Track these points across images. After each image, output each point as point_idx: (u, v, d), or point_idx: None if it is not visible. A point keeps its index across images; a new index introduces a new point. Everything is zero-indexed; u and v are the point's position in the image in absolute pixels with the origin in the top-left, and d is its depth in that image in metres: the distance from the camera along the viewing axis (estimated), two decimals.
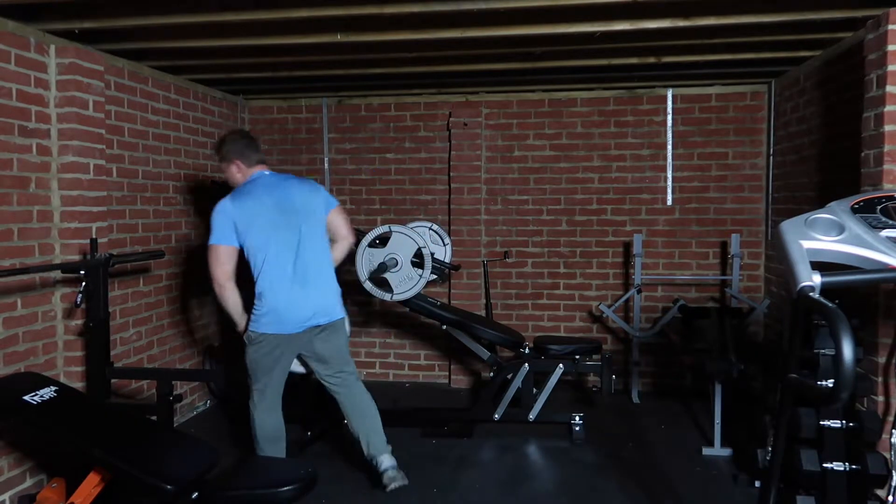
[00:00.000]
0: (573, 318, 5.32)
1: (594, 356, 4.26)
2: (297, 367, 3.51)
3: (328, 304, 3.32)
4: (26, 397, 2.77)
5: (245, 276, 3.24)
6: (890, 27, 2.97)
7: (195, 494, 2.55)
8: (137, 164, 4.22)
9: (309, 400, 4.69)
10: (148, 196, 4.32)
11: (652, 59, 4.15)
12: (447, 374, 5.45)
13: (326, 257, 3.35)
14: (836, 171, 3.86)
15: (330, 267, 3.36)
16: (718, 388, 3.85)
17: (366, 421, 3.45)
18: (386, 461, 3.38)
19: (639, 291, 4.95)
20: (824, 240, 2.13)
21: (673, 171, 5.15)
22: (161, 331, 4.45)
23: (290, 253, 3.21)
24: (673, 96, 5.11)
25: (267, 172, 3.35)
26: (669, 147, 5.14)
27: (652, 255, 5.18)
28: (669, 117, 5.13)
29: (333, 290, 3.37)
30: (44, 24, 3.39)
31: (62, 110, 3.54)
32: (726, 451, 3.87)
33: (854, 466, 2.81)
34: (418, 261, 4.09)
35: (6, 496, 3.23)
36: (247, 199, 3.20)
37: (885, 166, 3.01)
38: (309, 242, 3.26)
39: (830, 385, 1.71)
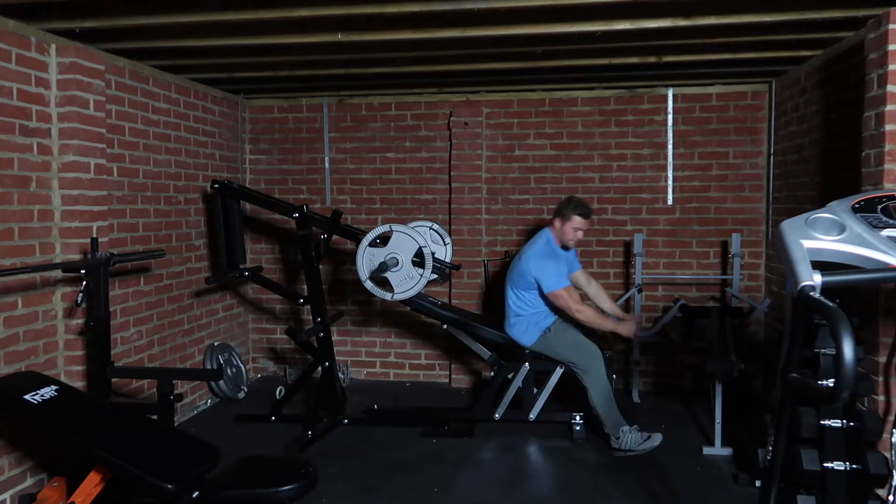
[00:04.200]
0: None
1: None
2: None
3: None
4: (27, 396, 2.77)
5: None
6: (891, 26, 2.97)
7: (195, 494, 2.55)
8: (138, 163, 4.22)
9: (310, 400, 4.70)
10: (149, 195, 4.32)
11: (653, 59, 4.15)
12: (448, 373, 5.45)
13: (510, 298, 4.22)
14: (836, 170, 3.86)
15: (510, 305, 4.21)
16: (719, 388, 3.85)
17: None
18: None
19: (639, 291, 4.95)
20: (825, 239, 2.12)
21: (673, 171, 5.15)
22: (161, 330, 4.45)
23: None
24: (673, 96, 5.11)
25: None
26: (670, 146, 5.14)
27: (652, 254, 5.17)
28: (670, 117, 5.13)
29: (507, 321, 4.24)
30: (44, 23, 3.39)
31: (63, 109, 3.54)
32: (727, 451, 3.87)
33: (855, 466, 2.80)
34: (419, 260, 4.09)
35: (6, 495, 3.23)
36: None
37: (886, 166, 3.01)
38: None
39: (831, 384, 1.71)
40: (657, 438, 3.86)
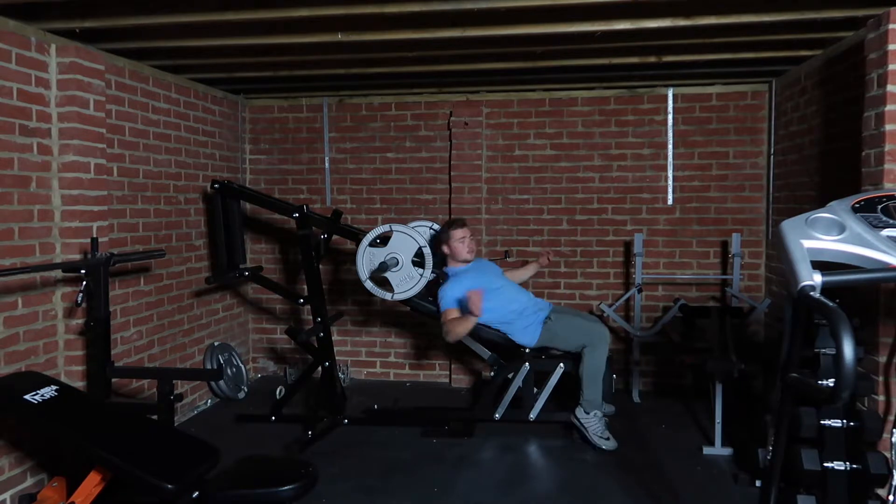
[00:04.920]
0: None
1: None
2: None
3: None
4: (27, 396, 2.77)
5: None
6: (891, 26, 2.97)
7: (195, 494, 2.55)
8: (138, 163, 4.22)
9: (310, 400, 4.70)
10: (149, 195, 4.32)
11: (653, 59, 4.15)
12: (448, 373, 5.45)
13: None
14: (836, 170, 3.86)
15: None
16: (719, 388, 3.85)
17: None
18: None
19: (639, 291, 4.95)
20: (825, 239, 2.13)
21: (673, 171, 5.15)
22: (161, 330, 4.45)
23: None
24: (674, 95, 5.11)
25: None
26: (670, 146, 5.14)
27: (652, 254, 5.18)
28: (670, 116, 5.13)
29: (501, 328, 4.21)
30: (45, 23, 3.39)
31: (63, 109, 3.54)
32: (727, 451, 3.87)
33: (855, 466, 2.81)
34: (419, 260, 4.09)
35: (7, 495, 3.23)
36: None
37: (886, 165, 3.01)
38: None
39: (831, 384, 1.71)
40: (612, 444, 3.93)
